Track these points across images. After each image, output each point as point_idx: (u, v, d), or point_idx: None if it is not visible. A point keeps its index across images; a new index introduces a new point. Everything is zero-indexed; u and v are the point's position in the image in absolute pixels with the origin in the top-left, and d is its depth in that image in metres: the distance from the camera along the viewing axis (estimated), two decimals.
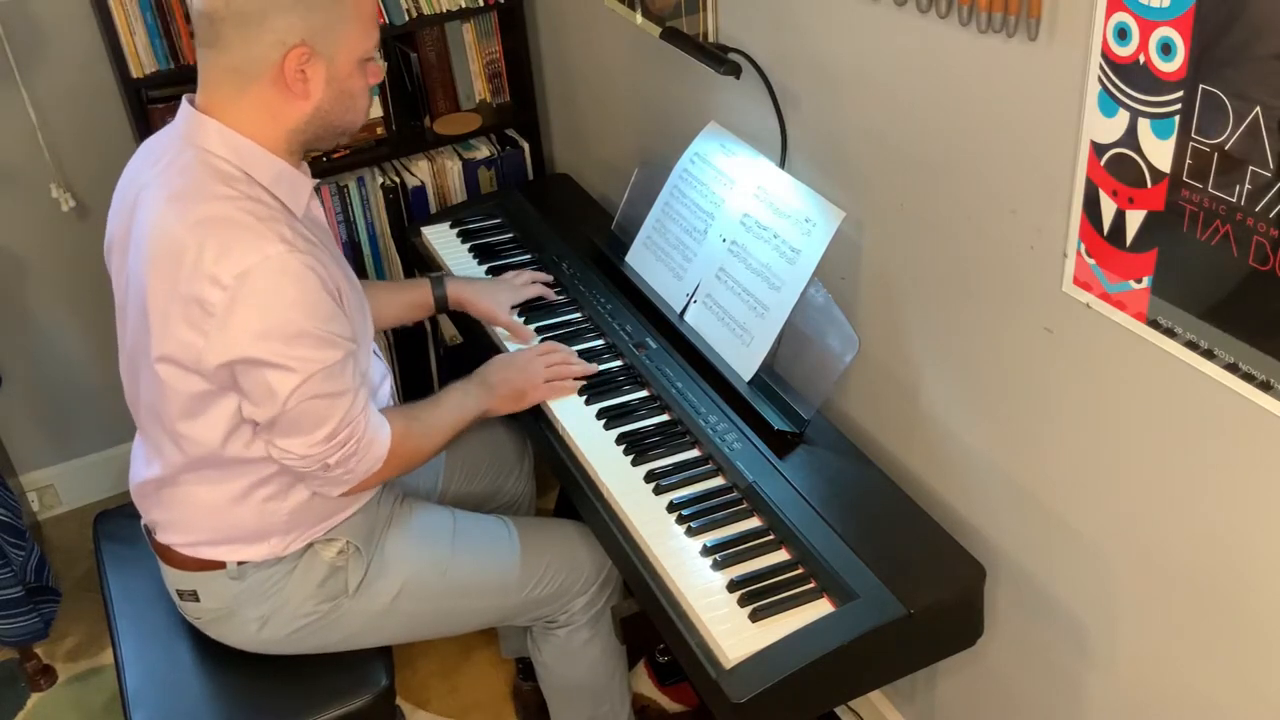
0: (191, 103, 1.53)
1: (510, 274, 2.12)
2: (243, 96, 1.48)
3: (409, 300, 2.04)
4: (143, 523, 1.75)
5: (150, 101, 2.28)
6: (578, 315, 2.04)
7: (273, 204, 1.49)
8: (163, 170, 1.52)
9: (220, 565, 1.67)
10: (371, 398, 1.66)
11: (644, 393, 1.84)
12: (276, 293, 1.43)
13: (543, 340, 1.96)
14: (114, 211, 1.63)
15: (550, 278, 2.12)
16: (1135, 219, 1.23)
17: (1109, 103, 1.20)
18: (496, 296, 2.03)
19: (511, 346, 1.97)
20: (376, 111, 2.47)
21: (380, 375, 1.76)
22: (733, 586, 1.49)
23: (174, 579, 1.72)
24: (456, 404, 1.77)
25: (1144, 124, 1.17)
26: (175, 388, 1.51)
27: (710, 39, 1.90)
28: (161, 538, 1.70)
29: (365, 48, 1.52)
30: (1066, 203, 1.31)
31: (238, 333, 1.43)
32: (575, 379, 1.85)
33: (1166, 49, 1.12)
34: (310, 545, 1.70)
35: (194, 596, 1.71)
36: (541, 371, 1.84)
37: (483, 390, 1.81)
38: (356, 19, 1.49)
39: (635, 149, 2.34)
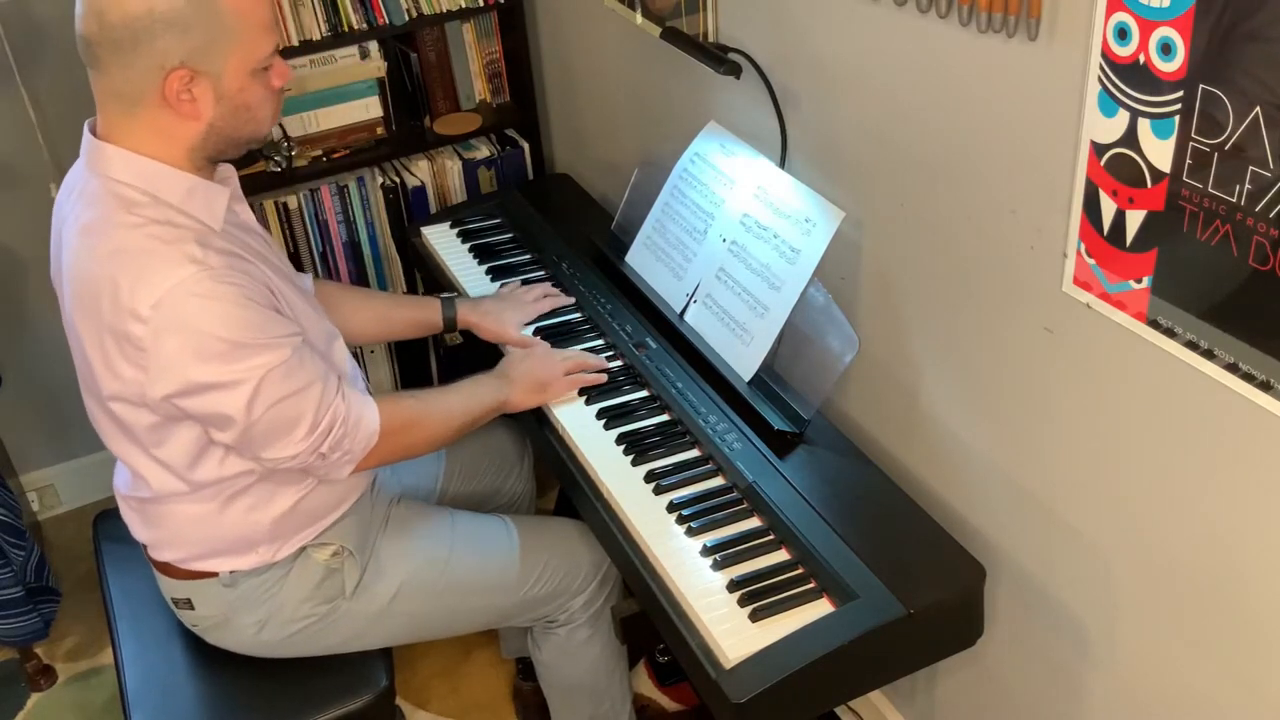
0: (91, 128, 1.50)
1: (519, 290, 2.08)
2: (134, 119, 1.44)
3: (416, 318, 2.01)
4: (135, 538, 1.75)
5: None
6: (578, 315, 2.04)
7: (184, 222, 1.45)
8: (75, 202, 1.49)
9: (213, 574, 1.67)
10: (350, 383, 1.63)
11: (644, 393, 1.84)
12: (198, 314, 1.40)
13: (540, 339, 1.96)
14: (52, 244, 1.60)
15: (559, 293, 2.08)
16: (1135, 219, 1.23)
17: (1109, 103, 1.20)
18: (504, 317, 1.99)
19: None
20: (377, 111, 2.47)
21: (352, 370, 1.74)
22: (733, 586, 1.49)
23: (169, 587, 1.73)
24: (469, 392, 1.76)
25: (1144, 124, 1.17)
26: (132, 422, 1.51)
27: (710, 39, 1.90)
28: (154, 554, 1.70)
29: (257, 58, 1.45)
30: (1066, 203, 1.31)
31: (172, 362, 1.41)
32: (595, 372, 1.85)
33: (1166, 49, 1.12)
34: (303, 549, 1.69)
35: (189, 604, 1.71)
36: (561, 365, 1.83)
37: (501, 381, 1.79)
38: (241, 31, 1.42)
39: (635, 149, 2.34)
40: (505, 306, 2.02)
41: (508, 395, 1.78)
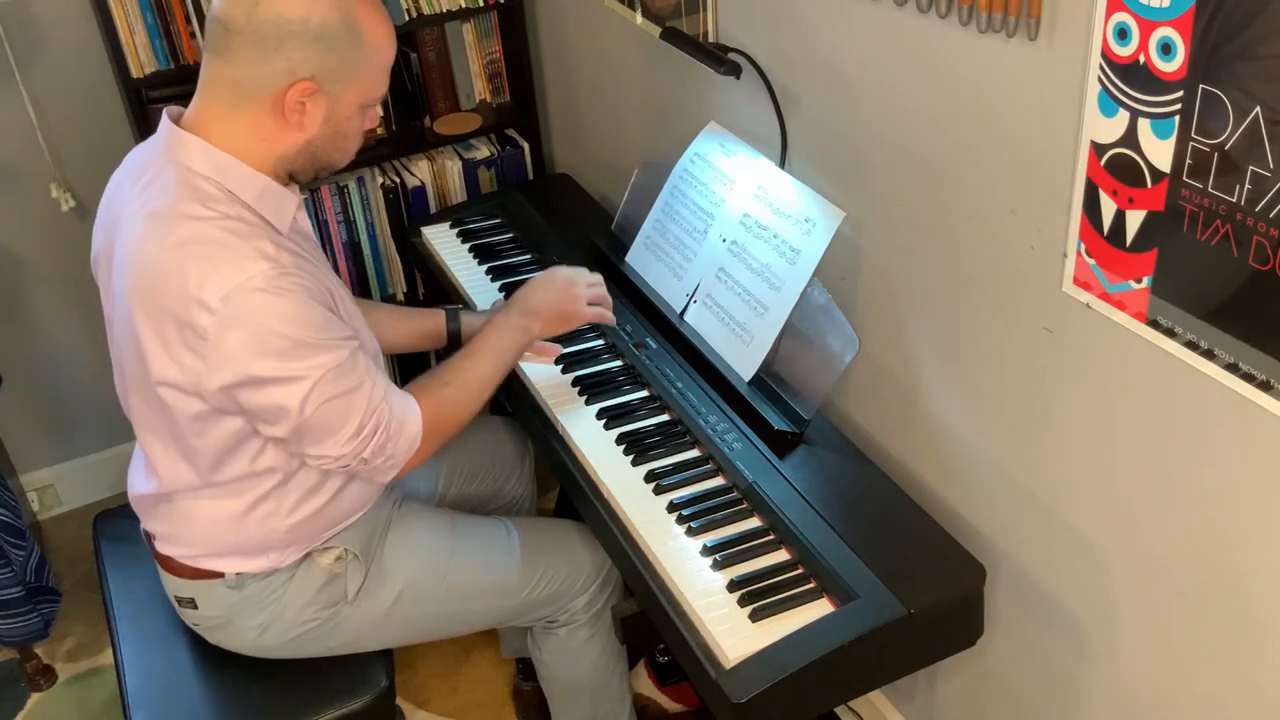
0: (172, 116, 1.51)
1: None
2: (237, 112, 1.46)
3: (420, 329, 2.00)
4: (142, 528, 1.75)
5: (150, 101, 2.28)
6: None
7: (255, 221, 1.47)
8: (144, 188, 1.50)
9: (219, 574, 1.67)
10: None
11: (644, 393, 1.84)
12: (265, 310, 1.41)
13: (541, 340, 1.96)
14: (98, 225, 1.61)
15: None
16: (1135, 219, 1.23)
17: (1109, 103, 1.20)
18: None
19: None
20: (376, 112, 2.47)
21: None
22: (733, 586, 1.49)
23: (173, 585, 1.72)
24: (493, 347, 1.75)
25: (1144, 124, 1.17)
26: (177, 408, 1.51)
27: (710, 39, 1.90)
28: (161, 548, 1.70)
29: (371, 95, 1.52)
30: (1066, 203, 1.31)
31: (234, 354, 1.41)
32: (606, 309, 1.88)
33: (1166, 49, 1.12)
34: (308, 553, 1.69)
35: (192, 604, 1.71)
36: (582, 292, 1.85)
37: (524, 319, 1.79)
38: (372, 68, 1.49)
39: (635, 149, 2.34)
40: None
41: (533, 332, 1.80)
